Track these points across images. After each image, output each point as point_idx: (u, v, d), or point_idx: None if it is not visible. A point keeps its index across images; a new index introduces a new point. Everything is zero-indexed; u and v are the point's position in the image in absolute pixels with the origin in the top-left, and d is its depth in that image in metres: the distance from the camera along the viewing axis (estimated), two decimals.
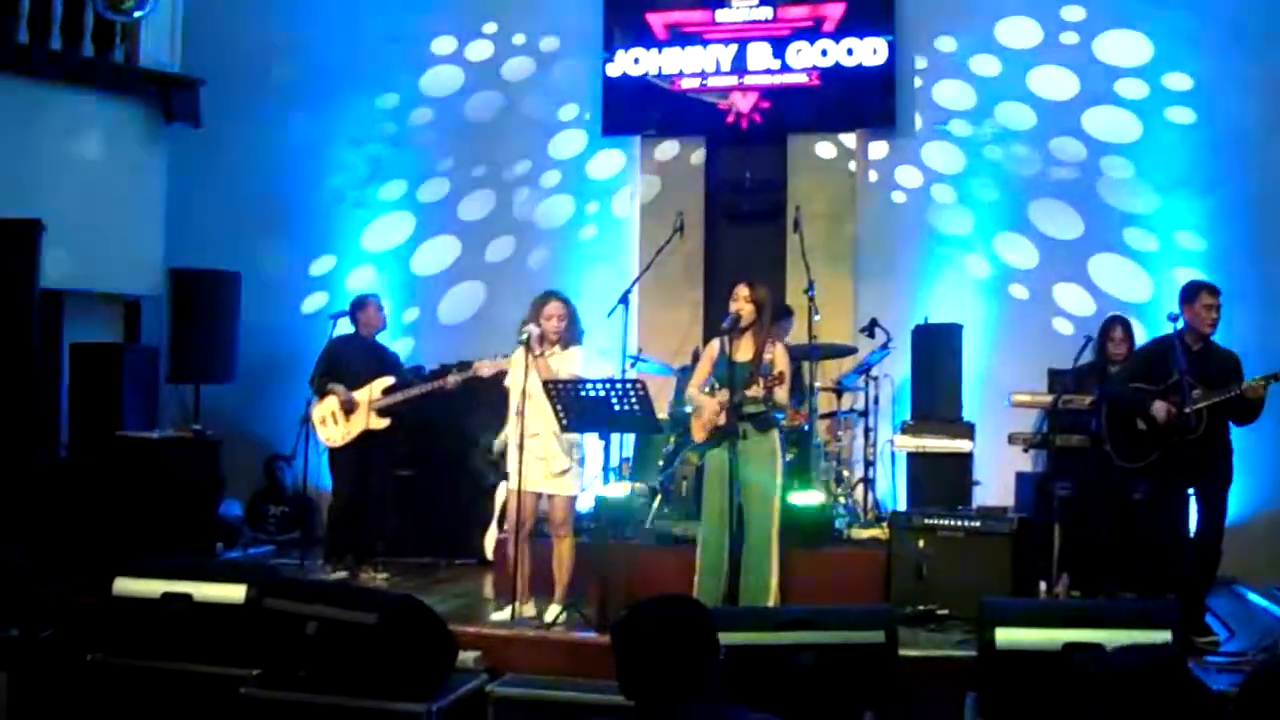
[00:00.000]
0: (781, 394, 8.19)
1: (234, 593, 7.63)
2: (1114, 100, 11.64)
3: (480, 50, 13.15)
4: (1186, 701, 3.42)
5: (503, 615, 8.48)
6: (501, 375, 8.90)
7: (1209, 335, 8.34)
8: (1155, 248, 11.37)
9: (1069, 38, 11.78)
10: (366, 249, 13.18)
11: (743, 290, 8.33)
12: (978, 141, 11.92)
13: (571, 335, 8.65)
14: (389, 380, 10.02)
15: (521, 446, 8.36)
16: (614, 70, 12.45)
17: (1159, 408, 8.19)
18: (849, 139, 12.19)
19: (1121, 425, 8.48)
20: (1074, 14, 11.76)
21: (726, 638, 6.05)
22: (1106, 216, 11.60)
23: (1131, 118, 11.61)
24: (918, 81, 12.08)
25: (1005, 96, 11.89)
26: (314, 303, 13.07)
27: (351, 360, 10.09)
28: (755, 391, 8.03)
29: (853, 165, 12.15)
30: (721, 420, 8.16)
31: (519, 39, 13.06)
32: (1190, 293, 8.41)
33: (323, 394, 9.97)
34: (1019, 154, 11.82)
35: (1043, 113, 11.79)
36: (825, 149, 12.24)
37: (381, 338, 10.46)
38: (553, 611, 8.41)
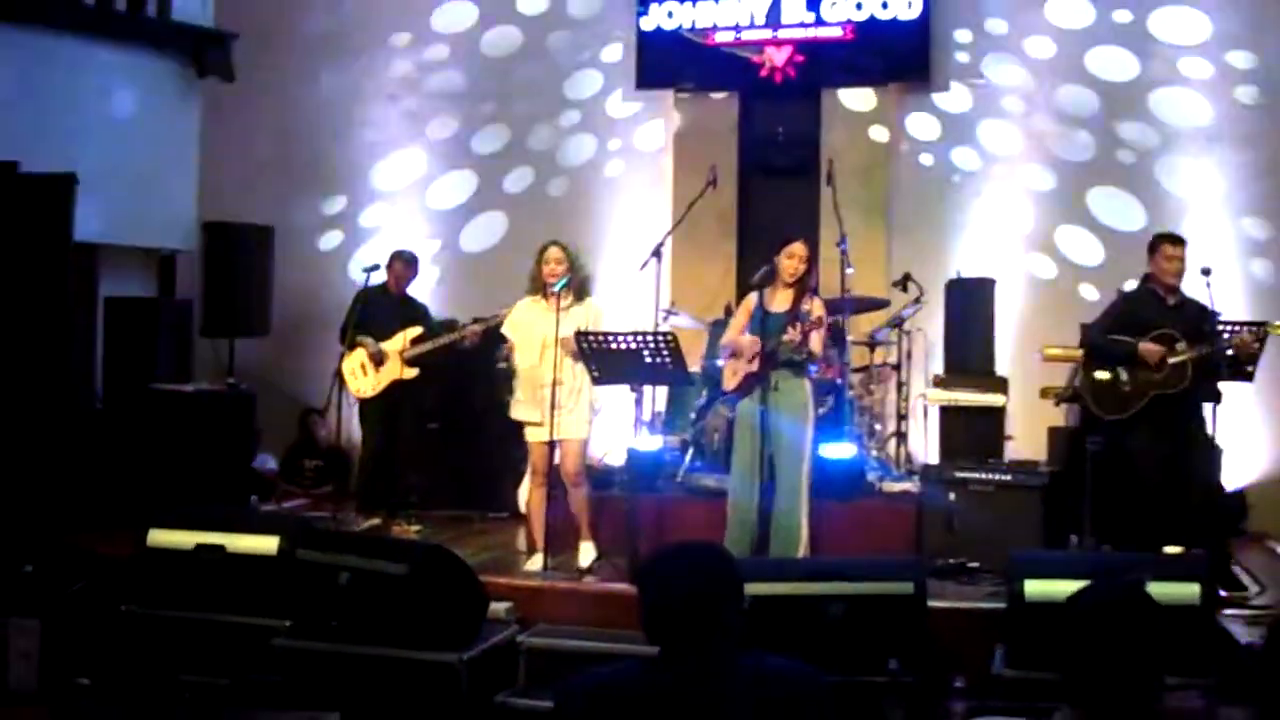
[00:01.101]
0: (816, 341, 8.21)
1: (267, 544, 7.69)
2: (1134, 47, 11.53)
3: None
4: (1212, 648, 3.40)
5: (534, 565, 8.53)
6: None
7: (1175, 286, 8.43)
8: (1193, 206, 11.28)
9: None
10: (381, 189, 13.18)
11: (800, 249, 8.37)
12: (1012, 96, 11.82)
13: (585, 284, 8.70)
14: (417, 330, 10.06)
15: (553, 402, 8.41)
16: (648, 24, 12.36)
17: (1149, 348, 8.21)
18: (883, 93, 12.11)
19: (1102, 377, 8.52)
20: None
21: (756, 588, 6.13)
22: (1138, 178, 11.52)
23: (1144, 66, 11.49)
24: (953, 35, 11.97)
25: (1035, 50, 11.77)
26: (335, 246, 13.15)
27: (380, 312, 10.12)
28: (791, 336, 8.04)
29: (886, 119, 12.08)
30: (755, 367, 8.16)
31: None
32: (1153, 244, 8.59)
33: (352, 346, 10.00)
34: (1052, 110, 11.73)
35: (1079, 70, 11.70)
36: (859, 103, 12.15)
37: (414, 286, 10.50)
38: (586, 552, 8.49)
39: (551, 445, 8.61)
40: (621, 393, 9.04)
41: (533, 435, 8.66)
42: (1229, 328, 8.41)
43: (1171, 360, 8.22)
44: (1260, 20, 11.09)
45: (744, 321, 8.48)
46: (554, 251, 8.65)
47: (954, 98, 11.94)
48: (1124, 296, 8.95)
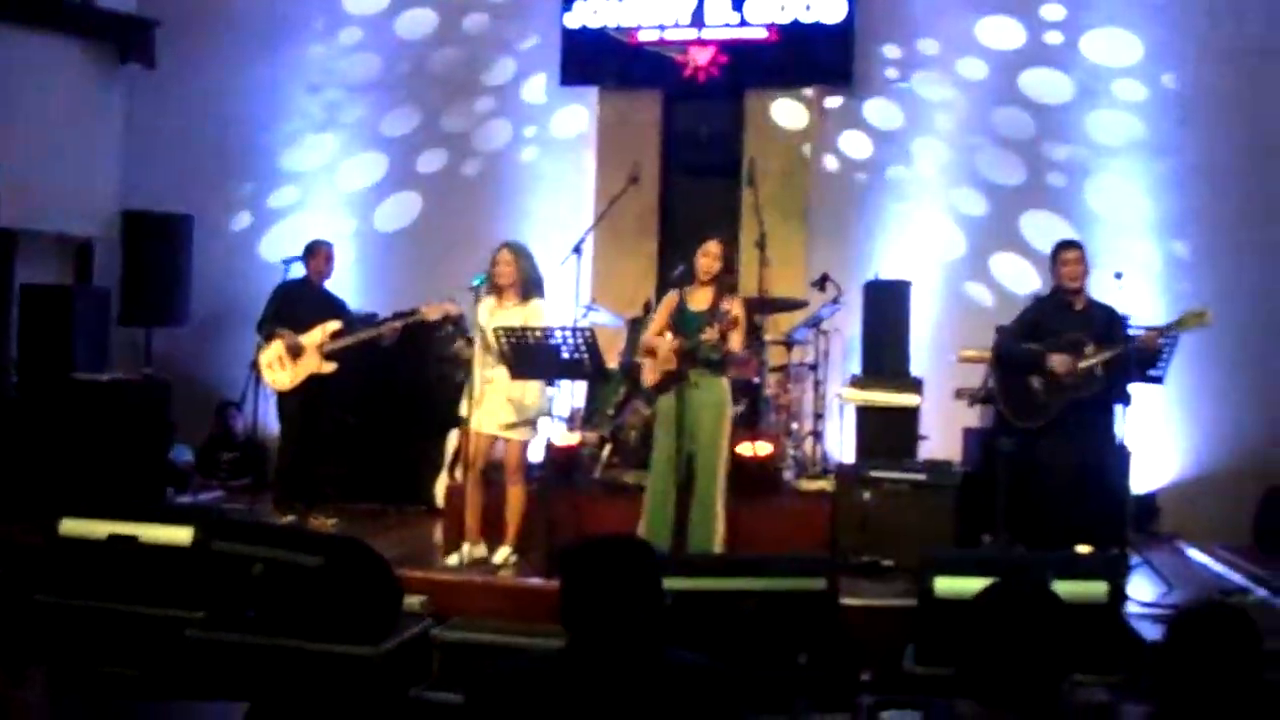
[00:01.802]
0: (736, 340, 8.28)
1: (180, 535, 7.65)
2: (1060, 65, 11.69)
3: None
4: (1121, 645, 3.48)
5: (454, 560, 8.56)
6: (446, 318, 9.03)
7: (1078, 290, 8.61)
8: (1102, 213, 11.41)
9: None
10: (302, 177, 13.16)
11: (715, 248, 8.45)
12: (933, 99, 11.94)
13: (530, 285, 8.71)
14: (336, 324, 10.02)
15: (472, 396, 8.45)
16: (573, 21, 12.39)
17: (1059, 360, 8.35)
18: (805, 95, 12.19)
19: (1015, 384, 8.65)
20: None
21: (672, 583, 6.16)
22: (1055, 181, 11.66)
23: (1067, 80, 11.67)
24: (876, 39, 12.05)
25: (961, 54, 11.90)
26: (254, 237, 13.09)
27: (299, 305, 10.07)
28: (710, 335, 8.11)
29: (808, 121, 12.16)
30: (672, 365, 8.23)
31: None
32: (1053, 252, 8.81)
33: (269, 338, 9.96)
34: (971, 112, 11.86)
35: (994, 67, 11.84)
36: (781, 104, 12.22)
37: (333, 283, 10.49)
38: (502, 553, 8.52)
39: (488, 442, 8.69)
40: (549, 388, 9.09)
41: (472, 424, 8.68)
42: (1139, 330, 8.55)
43: (1081, 365, 8.35)
44: (1183, 40, 11.28)
45: (665, 319, 8.55)
46: (502, 253, 8.71)
47: (878, 105, 12.03)
48: (1033, 303, 9.10)
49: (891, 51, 12.03)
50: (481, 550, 8.64)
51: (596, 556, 3.68)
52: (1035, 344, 8.56)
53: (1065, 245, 8.80)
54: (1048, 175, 11.64)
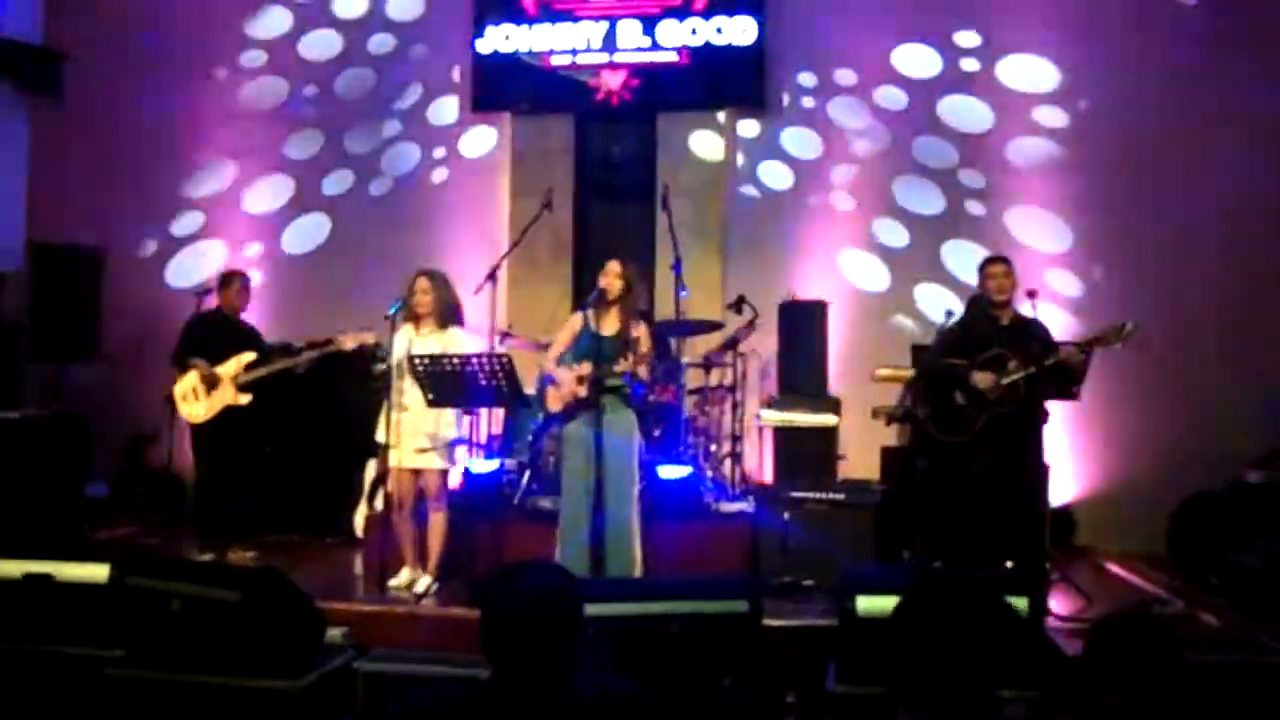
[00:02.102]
0: (644, 371, 8.30)
1: (97, 572, 7.53)
2: (977, 91, 11.85)
3: (351, 23, 13.04)
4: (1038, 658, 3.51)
5: (400, 580, 8.63)
6: (362, 348, 9.02)
7: (1003, 304, 8.69)
8: (1020, 237, 11.55)
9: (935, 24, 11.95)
10: (213, 207, 13.08)
11: (615, 266, 8.44)
12: (845, 123, 12.04)
13: (447, 314, 8.70)
14: (251, 355, 9.95)
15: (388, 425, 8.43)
16: (485, 47, 12.41)
17: (981, 378, 8.42)
18: (718, 118, 12.25)
19: (940, 400, 8.71)
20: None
21: (593, 609, 6.14)
22: (970, 202, 11.78)
23: (986, 108, 11.82)
24: (786, 61, 12.14)
25: (873, 77, 12.01)
26: (166, 268, 12.98)
27: (214, 336, 10.00)
28: (625, 366, 8.13)
29: (721, 144, 12.22)
30: (583, 392, 8.24)
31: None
32: (980, 266, 8.92)
33: (184, 369, 9.87)
34: (886, 136, 11.97)
35: (906, 94, 11.95)
36: (694, 127, 12.30)
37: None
38: (424, 582, 8.47)
39: (413, 471, 8.68)
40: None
41: (392, 460, 8.65)
42: (1063, 346, 8.61)
43: (1004, 381, 8.41)
44: (1094, 65, 11.45)
45: (567, 341, 8.56)
46: (420, 282, 8.71)
47: (793, 128, 12.13)
48: (962, 317, 9.16)
49: (807, 79, 12.13)
50: (418, 575, 8.66)
51: (514, 584, 3.66)
52: (960, 359, 8.62)
53: (992, 260, 8.90)
54: (965, 201, 11.79)
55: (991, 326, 8.67)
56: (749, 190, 12.22)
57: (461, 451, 9.02)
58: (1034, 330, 8.66)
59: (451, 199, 12.70)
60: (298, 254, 12.92)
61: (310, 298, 12.32)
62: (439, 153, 12.82)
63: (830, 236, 11.94)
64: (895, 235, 11.88)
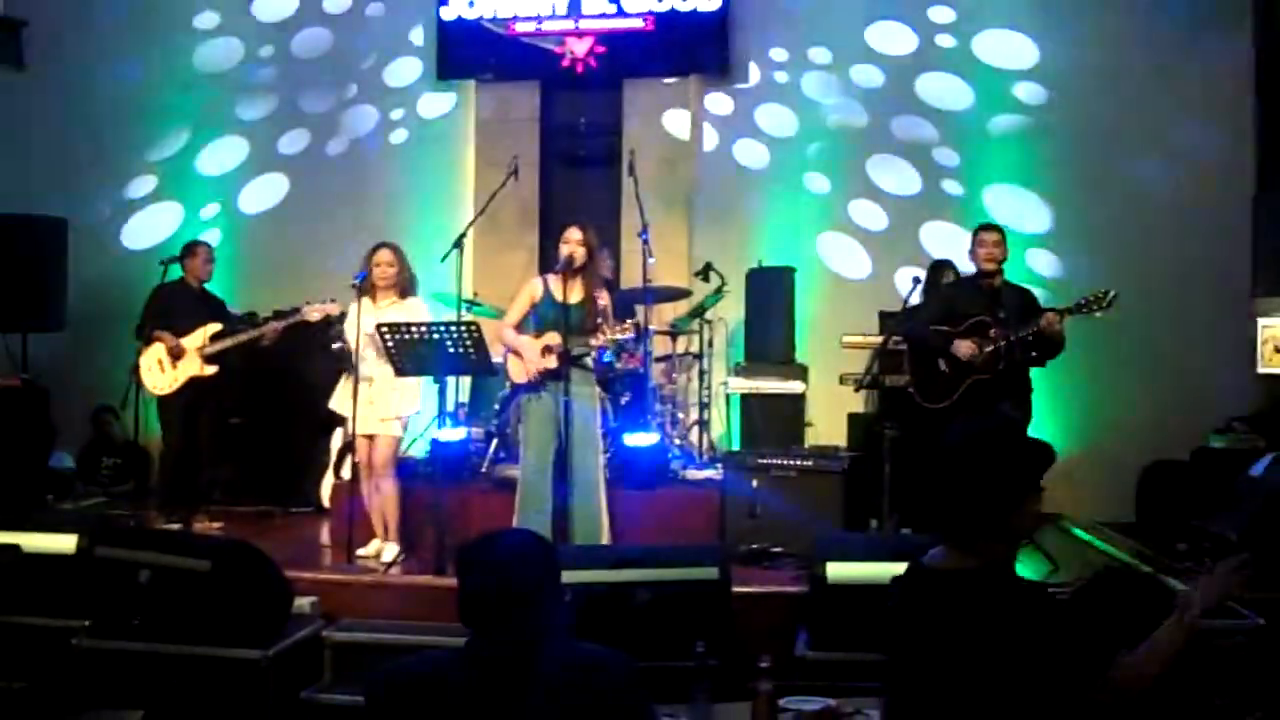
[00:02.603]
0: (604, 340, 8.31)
1: (64, 543, 7.53)
2: (948, 67, 11.87)
3: None
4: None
5: (369, 550, 8.62)
6: (328, 319, 9.00)
7: (992, 272, 8.62)
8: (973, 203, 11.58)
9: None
10: (178, 176, 13.03)
11: (574, 233, 8.35)
12: (811, 90, 12.04)
13: (406, 285, 8.71)
14: (217, 326, 9.89)
15: (354, 397, 8.41)
16: (448, 14, 12.34)
17: (962, 346, 8.42)
18: (684, 84, 12.23)
19: (924, 367, 8.71)
20: None
21: (564, 576, 6.15)
22: (938, 172, 11.82)
23: (960, 83, 11.85)
24: (753, 27, 12.12)
25: (839, 44, 12.00)
26: (131, 239, 12.92)
27: (179, 307, 9.93)
28: (603, 338, 8.12)
29: (687, 110, 12.19)
30: (551, 363, 8.20)
31: None
32: (973, 233, 8.79)
33: (149, 341, 9.82)
34: (853, 105, 11.97)
35: (884, 68, 11.97)
36: (660, 94, 12.27)
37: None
38: (390, 551, 8.45)
39: (369, 438, 8.66)
40: (424, 384, 9.04)
41: (358, 430, 8.66)
42: (1045, 314, 8.59)
43: (986, 349, 8.40)
44: (1076, 39, 11.51)
45: (527, 307, 8.49)
46: (382, 254, 8.70)
47: (754, 89, 12.12)
48: (949, 284, 9.15)
49: (774, 49, 12.17)
50: (388, 545, 8.66)
51: (492, 548, 3.65)
52: (943, 326, 8.61)
53: (986, 227, 8.78)
54: (929, 165, 11.79)
55: (977, 294, 8.63)
56: (715, 158, 12.20)
57: (416, 421, 9.03)
58: (1020, 298, 8.65)
59: (411, 159, 12.68)
60: (255, 214, 12.89)
61: (270, 259, 12.34)
62: (397, 114, 12.79)
63: (797, 205, 11.93)
64: (865, 208, 11.89)
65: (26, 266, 11.25)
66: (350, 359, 8.65)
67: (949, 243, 11.11)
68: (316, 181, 12.75)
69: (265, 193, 12.89)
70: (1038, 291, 9.09)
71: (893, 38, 11.91)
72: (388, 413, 8.60)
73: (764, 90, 12.13)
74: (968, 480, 3.56)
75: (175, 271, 10.08)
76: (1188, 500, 9.74)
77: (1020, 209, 11.39)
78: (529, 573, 3.58)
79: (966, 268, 9.13)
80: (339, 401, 8.80)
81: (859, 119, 11.97)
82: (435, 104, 12.70)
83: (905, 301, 9.16)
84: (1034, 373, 8.73)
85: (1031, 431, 8.95)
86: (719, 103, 12.22)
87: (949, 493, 3.59)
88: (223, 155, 12.95)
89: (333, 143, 12.77)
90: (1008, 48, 11.68)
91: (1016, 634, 3.38)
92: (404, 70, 12.74)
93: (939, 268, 9.86)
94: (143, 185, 12.99)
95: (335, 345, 9.08)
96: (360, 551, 8.63)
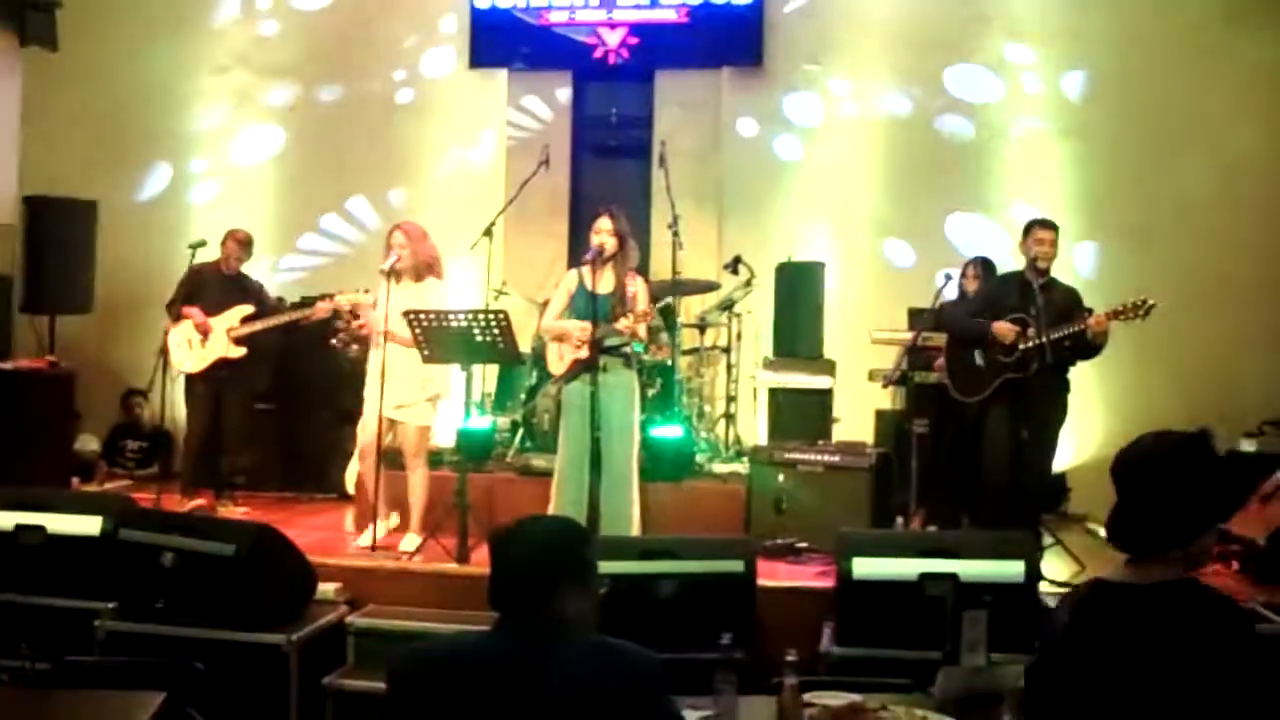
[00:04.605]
0: (643, 329, 8.25)
1: (89, 525, 7.53)
2: (978, 56, 11.80)
3: None
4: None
5: (364, 540, 8.50)
6: (356, 307, 8.97)
7: (1045, 269, 8.54)
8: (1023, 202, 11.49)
9: None
10: (210, 160, 13.05)
11: (605, 222, 8.32)
12: (842, 83, 11.99)
13: (423, 267, 8.62)
14: (248, 309, 9.89)
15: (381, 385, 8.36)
16: (482, 2, 12.33)
17: (1003, 327, 8.35)
18: (716, 76, 12.19)
19: (959, 359, 8.66)
20: None
21: None
22: (967, 166, 11.75)
23: (991, 75, 11.79)
24: (786, 21, 12.08)
25: (867, 39, 11.94)
26: (161, 222, 12.83)
27: (211, 288, 9.91)
28: (625, 325, 8.07)
29: (719, 103, 12.15)
30: (584, 353, 8.17)
31: None
32: (1026, 229, 8.68)
33: (178, 318, 9.81)
34: (884, 99, 11.92)
35: (909, 59, 11.90)
36: (692, 86, 12.23)
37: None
38: (411, 541, 8.41)
39: (386, 426, 8.56)
40: (449, 373, 9.02)
41: (367, 414, 8.57)
42: (1088, 313, 8.51)
43: (1023, 346, 8.33)
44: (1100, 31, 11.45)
45: (565, 301, 8.47)
46: (394, 235, 8.63)
47: (786, 83, 12.05)
48: (997, 278, 9.09)
49: (809, 41, 12.07)
50: (394, 520, 8.62)
51: (520, 534, 3.64)
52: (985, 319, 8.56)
53: (1042, 224, 8.64)
54: (961, 161, 11.71)
55: (1025, 290, 8.54)
56: (747, 150, 12.15)
57: (444, 408, 8.98)
58: (1067, 297, 8.56)
59: (444, 152, 12.66)
60: (287, 200, 12.88)
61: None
62: (428, 102, 12.78)
63: (828, 199, 11.88)
64: (896, 203, 11.82)
65: (56, 248, 11.26)
66: (348, 357, 8.63)
67: (981, 239, 11.07)
68: (344, 168, 12.72)
69: (294, 177, 12.88)
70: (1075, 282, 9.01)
71: (928, 31, 11.82)
72: (406, 398, 8.54)
73: (796, 83, 12.07)
74: (1170, 496, 3.50)
75: (210, 255, 10.06)
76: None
77: (1055, 208, 11.30)
78: (560, 558, 3.57)
79: (1004, 266, 9.07)
80: (364, 390, 8.74)
81: (891, 113, 11.90)
82: (467, 92, 12.64)
83: (936, 297, 9.11)
84: (1069, 372, 8.67)
85: (1064, 431, 8.95)
86: (751, 95, 12.16)
87: (1145, 505, 3.52)
88: (254, 141, 12.93)
89: (363, 131, 12.72)
90: (1046, 44, 11.59)
91: (1215, 649, 3.33)
92: (437, 58, 12.71)
93: (977, 265, 9.78)
94: (173, 169, 12.99)
95: (333, 341, 9.09)
96: (361, 540, 8.58)
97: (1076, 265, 11.16)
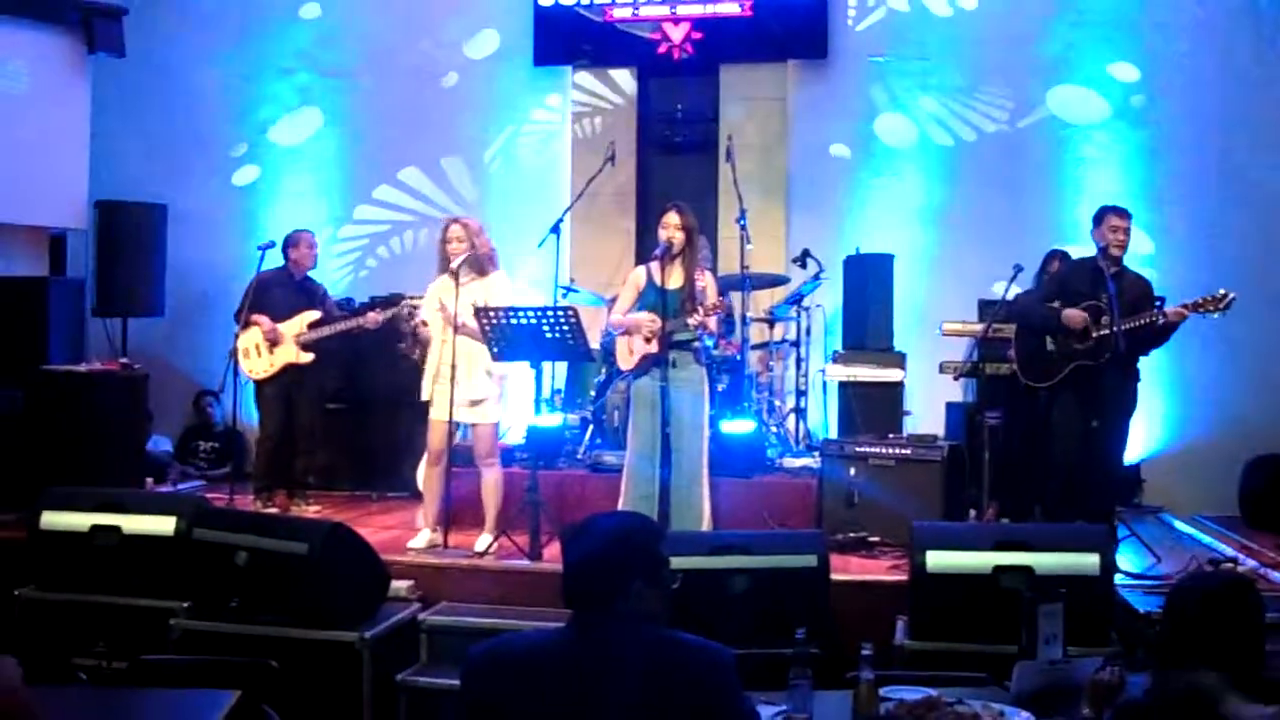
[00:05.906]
0: (713, 322, 8.22)
1: (163, 525, 7.59)
2: (1042, 45, 11.70)
3: None
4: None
5: (418, 542, 8.48)
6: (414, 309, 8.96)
7: (1119, 257, 8.44)
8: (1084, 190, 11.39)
9: None
10: (275, 163, 13.10)
11: (673, 218, 8.27)
12: (909, 74, 11.91)
13: (484, 260, 8.53)
14: (315, 314, 9.93)
15: (452, 377, 8.32)
16: (545, 0, 12.33)
17: (1073, 314, 8.28)
18: (781, 70, 12.14)
19: (1029, 345, 8.59)
20: None
21: None
22: (1040, 160, 11.66)
23: (1049, 57, 11.71)
24: (851, 13, 12.02)
25: (934, 30, 11.87)
26: (230, 225, 12.89)
27: (278, 294, 9.96)
28: (695, 320, 8.04)
29: (785, 96, 12.10)
30: (654, 347, 8.14)
31: None
32: (1099, 216, 8.59)
33: (246, 325, 9.86)
34: (951, 94, 11.84)
35: (984, 56, 11.83)
36: (757, 80, 12.19)
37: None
38: (484, 541, 8.37)
39: (453, 425, 8.50)
40: (521, 369, 9.00)
41: (434, 414, 8.53)
42: (1158, 304, 8.44)
43: (1095, 333, 8.26)
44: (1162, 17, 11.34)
45: (633, 297, 8.44)
46: (451, 229, 8.53)
47: (852, 75, 11.98)
48: (1070, 265, 9.02)
49: (873, 32, 12.00)
50: (437, 538, 8.52)
51: (592, 530, 3.64)
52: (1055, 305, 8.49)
53: (1115, 211, 8.53)
54: (1027, 151, 11.61)
55: (1097, 277, 8.44)
56: (813, 144, 12.08)
57: (512, 404, 8.94)
58: (1140, 287, 8.48)
59: (508, 149, 12.66)
60: (356, 206, 12.93)
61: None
62: (493, 100, 12.75)
63: (895, 191, 11.82)
64: (965, 195, 11.72)
65: (127, 252, 11.37)
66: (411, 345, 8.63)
67: (1052, 231, 10.96)
68: (411, 169, 12.76)
69: (359, 180, 12.93)
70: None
71: (994, 26, 11.72)
72: (477, 395, 8.48)
73: (862, 77, 11.99)
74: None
75: (276, 259, 10.11)
76: None
77: (1125, 200, 11.19)
78: (632, 554, 3.57)
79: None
80: (427, 389, 8.64)
81: (957, 107, 11.81)
82: (532, 90, 12.65)
83: (1007, 288, 9.02)
84: (1141, 362, 8.59)
85: (1135, 421, 8.87)
86: (816, 89, 12.10)
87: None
88: (319, 143, 12.99)
89: (428, 130, 12.75)
90: (1113, 44, 11.49)
91: None
92: (501, 56, 12.70)
93: (1054, 258, 9.70)
94: (242, 172, 13.06)
95: (400, 345, 9.12)
96: (409, 544, 8.50)
97: (1150, 255, 11.04)
